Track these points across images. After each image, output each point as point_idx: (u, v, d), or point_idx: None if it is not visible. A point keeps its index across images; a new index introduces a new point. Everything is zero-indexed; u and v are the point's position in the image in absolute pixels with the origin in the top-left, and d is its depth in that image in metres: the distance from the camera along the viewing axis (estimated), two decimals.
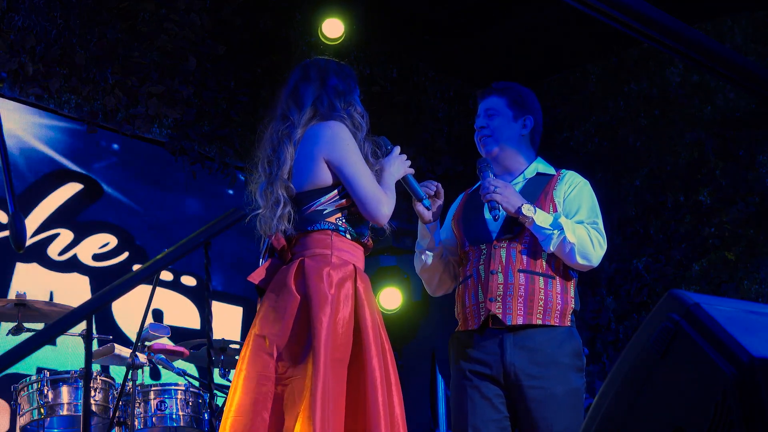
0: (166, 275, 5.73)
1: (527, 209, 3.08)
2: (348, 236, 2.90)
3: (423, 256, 3.30)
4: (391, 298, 6.62)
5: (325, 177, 2.91)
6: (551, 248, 3.08)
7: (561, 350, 3.09)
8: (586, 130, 7.00)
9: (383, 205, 2.88)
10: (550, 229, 3.07)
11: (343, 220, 2.91)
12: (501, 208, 3.08)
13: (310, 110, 2.99)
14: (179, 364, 4.41)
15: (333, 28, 6.32)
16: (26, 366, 4.84)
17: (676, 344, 1.45)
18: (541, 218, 3.09)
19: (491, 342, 3.11)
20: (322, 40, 6.32)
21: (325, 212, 2.90)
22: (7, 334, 4.10)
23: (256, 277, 2.90)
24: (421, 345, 6.62)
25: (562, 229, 3.07)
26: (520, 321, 3.06)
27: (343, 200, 2.91)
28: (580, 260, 3.10)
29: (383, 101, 6.73)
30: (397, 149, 3.10)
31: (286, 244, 2.90)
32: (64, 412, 4.12)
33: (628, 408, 1.51)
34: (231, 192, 6.13)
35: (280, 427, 2.69)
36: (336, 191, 2.91)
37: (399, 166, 3.06)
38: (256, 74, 6.25)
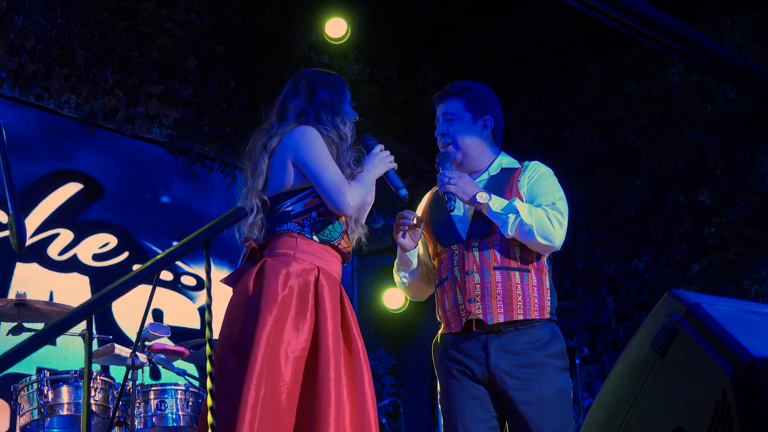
0: (166, 275, 5.74)
1: (481, 197, 3.08)
2: (315, 238, 2.95)
3: (403, 279, 3.34)
4: (394, 297, 6.63)
5: (293, 179, 2.99)
6: (509, 232, 3.07)
7: (545, 352, 3.09)
8: (586, 130, 7.00)
9: (344, 194, 2.92)
10: (505, 214, 3.08)
11: (311, 222, 2.96)
12: (456, 198, 3.10)
13: (293, 122, 3.06)
14: (179, 364, 4.41)
15: (336, 27, 6.32)
16: (26, 366, 4.84)
17: (676, 344, 1.45)
18: (497, 204, 3.09)
19: (475, 346, 3.11)
20: (327, 40, 6.33)
21: (292, 213, 2.96)
22: (7, 334, 4.09)
23: (229, 279, 3.02)
24: (422, 345, 6.62)
25: (518, 212, 3.06)
26: (501, 319, 3.07)
27: (311, 200, 2.98)
28: (541, 240, 3.08)
29: (383, 101, 6.73)
30: (378, 147, 3.14)
31: (256, 247, 2.99)
32: (64, 412, 4.12)
33: (628, 408, 1.51)
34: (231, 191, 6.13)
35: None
36: (304, 193, 2.98)
37: (378, 162, 3.11)
38: (256, 74, 6.25)
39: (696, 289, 6.04)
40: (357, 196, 2.97)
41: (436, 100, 3.38)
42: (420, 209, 3.41)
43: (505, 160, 3.32)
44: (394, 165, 3.15)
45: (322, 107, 3.08)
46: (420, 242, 3.30)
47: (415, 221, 3.18)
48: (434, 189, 3.41)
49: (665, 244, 6.38)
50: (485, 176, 3.28)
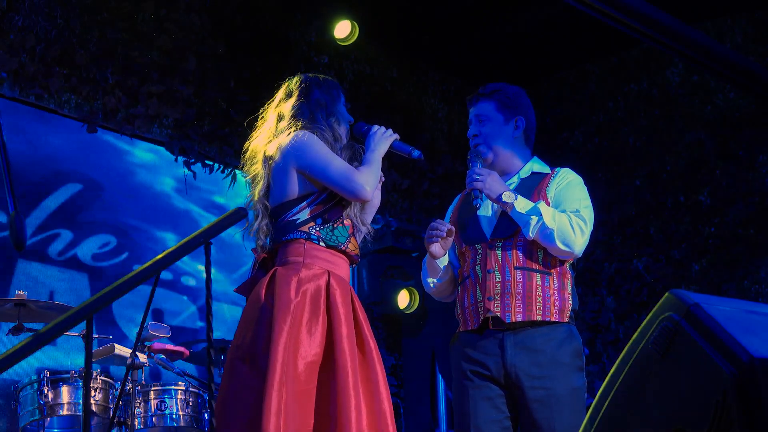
0: (166, 275, 5.74)
1: (507, 196, 3.10)
2: (322, 244, 2.98)
3: (432, 284, 3.35)
4: (401, 298, 6.62)
5: (296, 188, 3.00)
6: (531, 234, 3.09)
7: (561, 350, 3.10)
8: (586, 130, 7.00)
9: (354, 180, 2.95)
10: (528, 215, 3.09)
11: (317, 229, 2.98)
12: (483, 196, 3.12)
13: (289, 126, 3.08)
14: (179, 364, 4.41)
15: (341, 28, 6.33)
16: (26, 366, 4.83)
17: (676, 344, 1.45)
18: (522, 205, 3.11)
19: (492, 343, 3.11)
20: (337, 42, 6.32)
21: (297, 221, 2.98)
22: (7, 334, 4.09)
23: (242, 288, 3.05)
24: (422, 345, 6.62)
25: (541, 214, 3.08)
26: (519, 318, 3.07)
27: (315, 207, 3.00)
28: (560, 245, 3.09)
29: (383, 101, 6.73)
30: (375, 127, 3.17)
31: (267, 255, 3.03)
32: (64, 412, 4.12)
33: (628, 408, 1.51)
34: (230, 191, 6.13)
35: None
36: (308, 200, 3.00)
37: (379, 140, 3.13)
38: (256, 74, 6.25)
39: (696, 289, 6.04)
40: (369, 178, 2.98)
41: (469, 102, 3.40)
42: (451, 211, 3.42)
43: (537, 165, 3.33)
44: (396, 135, 3.17)
45: (316, 107, 3.10)
46: None
47: (446, 233, 3.19)
48: (465, 191, 3.43)
49: (665, 244, 6.38)
50: (515, 179, 3.30)
